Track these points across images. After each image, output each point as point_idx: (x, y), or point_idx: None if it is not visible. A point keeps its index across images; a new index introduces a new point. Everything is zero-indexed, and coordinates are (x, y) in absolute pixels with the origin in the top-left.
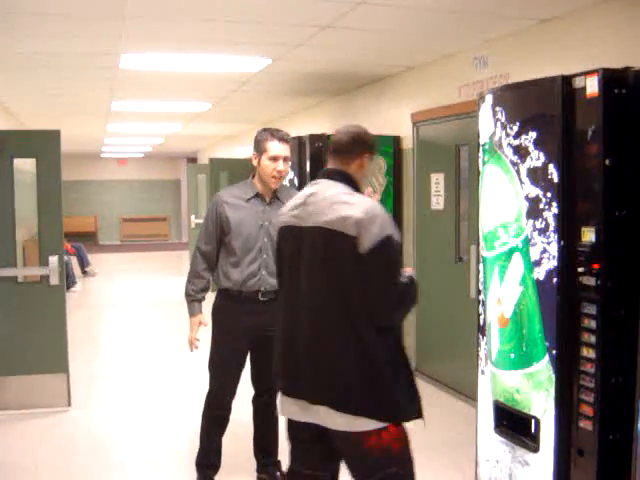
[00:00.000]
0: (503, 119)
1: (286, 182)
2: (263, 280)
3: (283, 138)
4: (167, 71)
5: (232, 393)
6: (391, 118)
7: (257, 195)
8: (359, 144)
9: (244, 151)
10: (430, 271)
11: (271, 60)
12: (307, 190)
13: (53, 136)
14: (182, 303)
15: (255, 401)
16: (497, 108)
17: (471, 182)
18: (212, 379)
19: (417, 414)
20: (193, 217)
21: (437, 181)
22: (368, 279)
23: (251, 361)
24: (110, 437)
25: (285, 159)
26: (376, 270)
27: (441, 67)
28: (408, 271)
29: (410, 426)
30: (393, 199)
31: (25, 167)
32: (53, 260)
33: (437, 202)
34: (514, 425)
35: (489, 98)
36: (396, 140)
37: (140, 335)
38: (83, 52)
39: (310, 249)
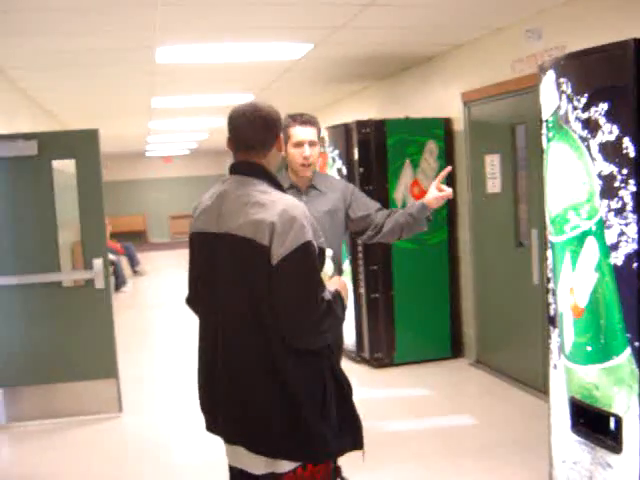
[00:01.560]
0: (569, 91)
1: (334, 172)
2: None
3: (306, 121)
4: (205, 63)
5: None
6: (441, 99)
7: (291, 186)
8: (271, 130)
9: None
10: (488, 257)
11: (313, 45)
12: (217, 189)
13: (91, 135)
14: None
15: None
16: (561, 79)
17: (529, 162)
18: None
19: (353, 446)
20: None
21: (492, 163)
22: (280, 295)
23: None
24: (163, 443)
25: (311, 143)
26: (289, 284)
27: (491, 42)
28: (334, 284)
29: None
30: (446, 184)
31: (71, 169)
32: (97, 263)
33: (493, 185)
34: (593, 424)
35: (552, 69)
36: (447, 122)
37: (190, 336)
38: (118, 48)
39: (221, 260)
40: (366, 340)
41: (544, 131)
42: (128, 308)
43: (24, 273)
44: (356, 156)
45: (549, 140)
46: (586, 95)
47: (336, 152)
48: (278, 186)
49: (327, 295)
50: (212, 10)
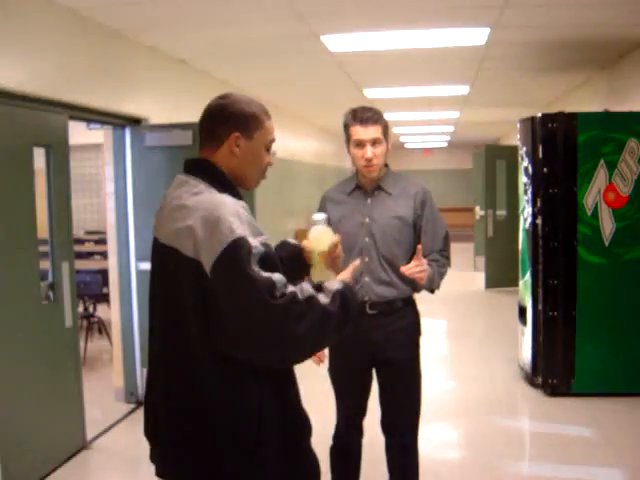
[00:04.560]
0: None
1: (522, 171)
2: (367, 288)
3: (367, 119)
4: (384, 50)
5: (355, 424)
6: None
7: (357, 187)
8: (221, 121)
9: None
10: None
11: (489, 28)
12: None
13: None
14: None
15: (387, 443)
16: None
17: None
18: (336, 406)
19: None
20: (477, 208)
21: None
22: (225, 309)
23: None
24: None
25: (374, 143)
26: (228, 291)
27: None
28: (342, 276)
29: None
30: None
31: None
32: None
33: None
34: None
35: None
36: None
37: None
38: (284, 36)
39: (155, 269)
40: (542, 363)
41: None
42: None
43: None
44: (541, 154)
45: None
46: None
47: (524, 149)
48: (223, 185)
49: (305, 290)
50: None
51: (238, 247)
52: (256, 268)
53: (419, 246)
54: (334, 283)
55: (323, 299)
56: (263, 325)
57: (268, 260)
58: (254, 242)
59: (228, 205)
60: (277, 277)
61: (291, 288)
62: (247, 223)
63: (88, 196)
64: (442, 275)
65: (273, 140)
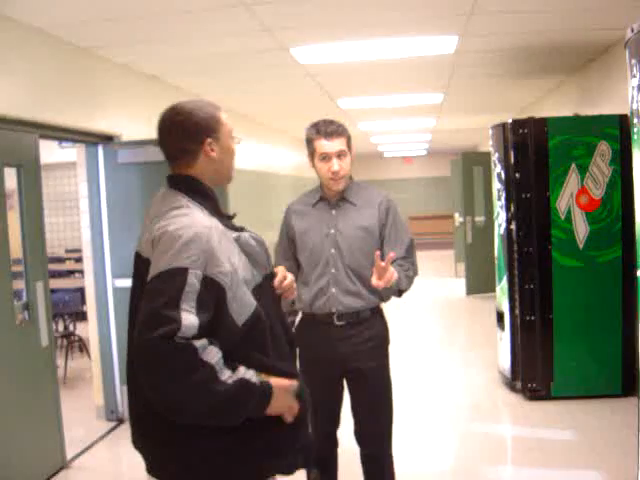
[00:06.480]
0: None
1: (494, 177)
2: (334, 299)
3: (331, 133)
4: (353, 61)
5: (329, 435)
6: (618, 94)
7: (321, 199)
8: (189, 137)
9: None
10: None
11: (457, 36)
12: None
13: None
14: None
15: (361, 453)
16: (633, 61)
17: None
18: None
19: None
20: (457, 215)
21: None
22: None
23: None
24: None
25: (339, 155)
26: (142, 308)
27: None
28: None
29: None
30: (621, 193)
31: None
32: None
33: None
34: None
35: (627, 47)
36: (622, 119)
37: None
38: (253, 50)
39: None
40: (520, 367)
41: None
42: None
43: None
44: (512, 160)
45: (634, 142)
46: None
47: (496, 155)
48: (204, 198)
49: (210, 353)
50: (327, 9)
51: (174, 276)
52: (184, 306)
53: (377, 253)
54: (254, 374)
55: (225, 374)
56: (136, 354)
57: (205, 298)
58: (194, 278)
59: (195, 227)
60: (189, 321)
61: (198, 343)
62: (204, 252)
63: (69, 214)
64: (408, 278)
65: (232, 128)
